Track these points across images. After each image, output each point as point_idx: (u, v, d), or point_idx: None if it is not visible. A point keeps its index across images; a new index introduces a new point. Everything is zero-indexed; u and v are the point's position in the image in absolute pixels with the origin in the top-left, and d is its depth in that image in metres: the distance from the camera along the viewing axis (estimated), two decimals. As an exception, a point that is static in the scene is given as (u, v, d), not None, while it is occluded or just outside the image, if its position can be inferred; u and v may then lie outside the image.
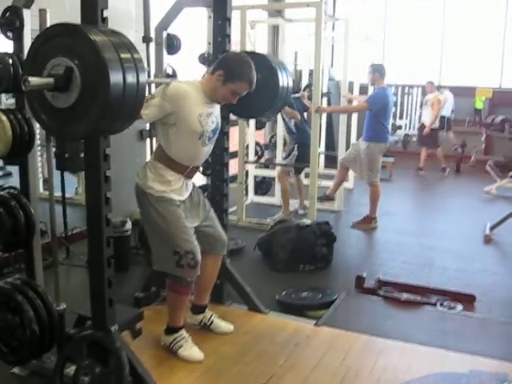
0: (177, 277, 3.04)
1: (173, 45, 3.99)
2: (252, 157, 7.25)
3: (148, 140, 4.95)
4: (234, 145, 6.20)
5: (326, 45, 8.02)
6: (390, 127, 6.46)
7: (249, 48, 6.35)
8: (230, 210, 6.23)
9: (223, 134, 3.50)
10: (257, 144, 7.50)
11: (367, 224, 6.34)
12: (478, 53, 11.76)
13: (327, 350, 3.26)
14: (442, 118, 10.34)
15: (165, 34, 3.84)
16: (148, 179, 3.00)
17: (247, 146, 6.97)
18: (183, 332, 3.18)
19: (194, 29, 5.62)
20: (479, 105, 11.56)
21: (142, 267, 4.73)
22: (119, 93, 2.03)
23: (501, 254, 5.81)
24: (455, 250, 5.63)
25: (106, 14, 2.22)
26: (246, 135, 6.70)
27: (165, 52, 3.96)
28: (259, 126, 7.58)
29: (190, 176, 3.09)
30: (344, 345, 3.34)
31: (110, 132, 2.28)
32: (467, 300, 4.23)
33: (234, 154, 6.23)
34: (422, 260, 5.29)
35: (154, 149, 3.18)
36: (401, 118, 11.92)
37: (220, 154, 3.54)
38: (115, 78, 2.00)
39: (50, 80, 2.05)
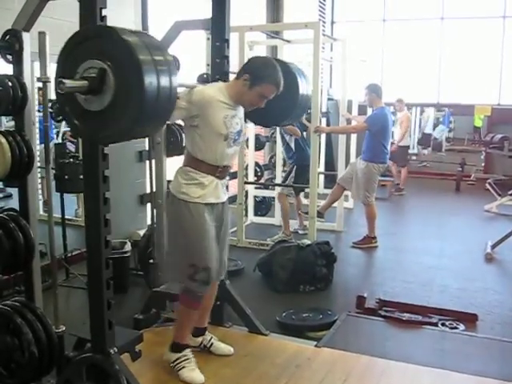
0: (189, 290, 3.02)
1: (172, 66, 4.01)
2: (252, 177, 7.26)
3: (147, 162, 4.96)
4: (233, 165, 6.21)
5: (324, 65, 8.07)
6: (389, 147, 6.46)
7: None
8: (230, 230, 6.25)
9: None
10: (256, 164, 7.52)
11: (367, 244, 6.33)
12: (476, 71, 11.83)
13: (328, 372, 3.23)
14: (425, 135, 10.47)
15: (164, 56, 3.86)
16: (181, 186, 2.96)
17: (247, 166, 6.98)
18: (188, 352, 3.14)
19: (193, 49, 5.66)
20: (478, 123, 11.61)
21: (141, 288, 4.71)
22: (153, 94, 2.02)
23: (502, 273, 5.79)
24: (456, 269, 5.62)
25: (104, 12, 2.24)
26: (246, 156, 6.71)
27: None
28: (259, 147, 7.61)
29: (222, 176, 3.04)
30: (345, 366, 3.31)
31: (142, 135, 2.27)
32: (469, 319, 4.20)
33: (234, 175, 6.25)
34: (423, 279, 5.27)
35: (153, 168, 3.18)
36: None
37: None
38: (149, 79, 1.99)
39: (84, 82, 2.04)
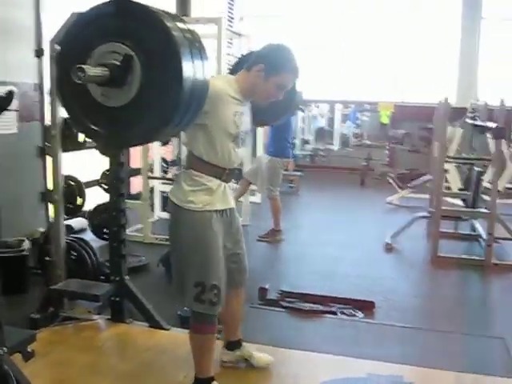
0: (198, 313, 2.74)
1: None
2: (158, 173, 7.18)
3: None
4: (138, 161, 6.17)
5: (232, 60, 8.10)
6: (291, 142, 6.58)
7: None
8: (137, 227, 6.19)
9: (119, 149, 3.45)
10: (163, 160, 7.44)
11: (273, 237, 6.42)
12: (380, 68, 12.21)
13: (229, 363, 3.26)
14: (320, 129, 11.02)
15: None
16: (185, 193, 2.62)
17: (152, 162, 6.91)
18: None
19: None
20: (385, 120, 12.03)
21: (41, 288, 4.56)
22: (189, 86, 1.72)
23: (399, 261, 6.04)
24: (358, 259, 5.80)
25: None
26: (151, 150, 6.64)
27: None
28: (164, 142, 7.53)
29: (228, 180, 2.75)
30: (246, 356, 3.35)
31: (171, 135, 2.00)
32: (367, 307, 4.35)
33: (138, 171, 6.21)
34: (326, 270, 5.39)
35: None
36: (309, 132, 12.23)
37: (116, 169, 3.49)
38: (187, 68, 1.69)
39: (106, 71, 1.71)
